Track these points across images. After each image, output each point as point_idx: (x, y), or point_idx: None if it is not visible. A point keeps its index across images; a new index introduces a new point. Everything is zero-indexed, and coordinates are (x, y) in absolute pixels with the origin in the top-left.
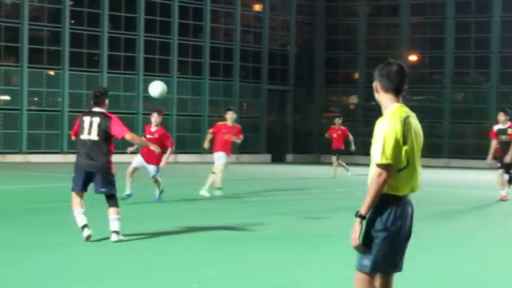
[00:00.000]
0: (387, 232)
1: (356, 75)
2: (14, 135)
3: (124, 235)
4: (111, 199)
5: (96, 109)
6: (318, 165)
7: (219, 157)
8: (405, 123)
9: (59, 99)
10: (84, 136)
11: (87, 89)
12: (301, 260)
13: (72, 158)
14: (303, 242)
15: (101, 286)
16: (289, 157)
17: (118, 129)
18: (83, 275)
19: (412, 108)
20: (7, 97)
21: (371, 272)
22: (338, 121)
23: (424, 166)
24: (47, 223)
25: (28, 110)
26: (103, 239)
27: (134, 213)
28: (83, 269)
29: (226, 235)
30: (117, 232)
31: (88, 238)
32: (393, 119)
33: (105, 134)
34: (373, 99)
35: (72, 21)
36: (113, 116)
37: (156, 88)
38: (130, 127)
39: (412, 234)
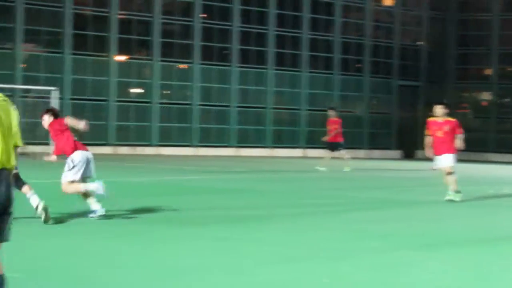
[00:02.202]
0: None
1: (489, 72)
2: (145, 127)
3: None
4: None
5: None
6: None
7: (443, 159)
8: None
9: (190, 93)
10: None
11: (218, 83)
12: None
13: (202, 151)
14: None
15: (236, 276)
16: (419, 153)
17: None
18: (217, 266)
19: None
20: (139, 90)
21: None
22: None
23: None
24: (173, 217)
25: (160, 103)
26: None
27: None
28: (213, 261)
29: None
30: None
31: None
32: None
33: None
34: (508, 95)
35: (204, 15)
36: None
37: None
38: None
39: None
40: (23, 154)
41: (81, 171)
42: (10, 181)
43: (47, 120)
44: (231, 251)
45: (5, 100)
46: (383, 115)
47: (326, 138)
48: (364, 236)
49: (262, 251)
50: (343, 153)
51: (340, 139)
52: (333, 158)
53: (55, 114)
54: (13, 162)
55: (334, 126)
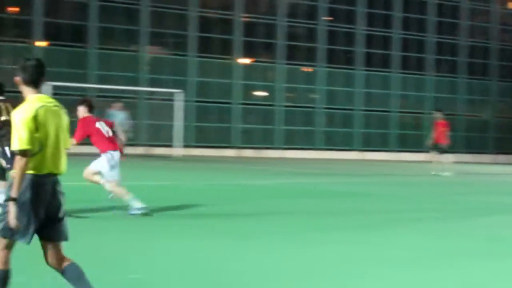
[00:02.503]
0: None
1: None
2: (270, 130)
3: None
4: None
5: None
6: None
7: None
8: (38, 110)
9: (314, 96)
10: None
11: (342, 86)
12: None
13: (326, 154)
14: None
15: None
16: None
17: None
18: (358, 270)
19: None
20: (263, 93)
21: (5, 237)
22: None
23: None
24: (298, 221)
25: (284, 106)
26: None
27: None
28: (355, 265)
29: None
30: None
31: None
32: (23, 108)
33: None
34: None
35: (328, 18)
36: None
37: None
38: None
39: None
40: (147, 155)
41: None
42: (57, 186)
43: (81, 111)
44: (370, 255)
45: (56, 106)
46: (510, 119)
47: (432, 141)
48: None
49: (397, 255)
50: (444, 157)
51: (446, 142)
52: (436, 161)
53: (90, 107)
54: (63, 167)
55: (441, 129)
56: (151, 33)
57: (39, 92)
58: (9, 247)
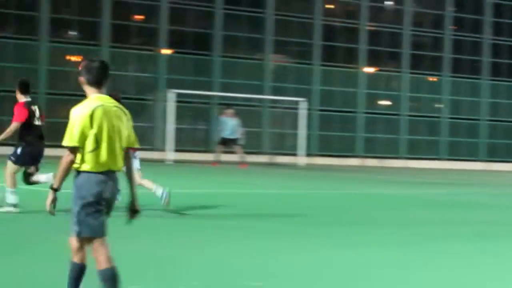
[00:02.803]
0: (82, 200)
1: None
2: (394, 140)
3: None
4: None
5: None
6: None
7: None
8: (96, 109)
9: (439, 105)
10: None
11: (468, 96)
12: None
13: (450, 165)
14: None
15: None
16: None
17: None
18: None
19: None
20: (387, 102)
21: (77, 236)
22: None
23: None
24: (431, 230)
25: (408, 115)
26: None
27: None
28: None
29: None
30: None
31: None
32: (81, 106)
33: None
34: None
35: (454, 27)
36: None
37: None
38: None
39: None
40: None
41: None
42: (115, 182)
43: None
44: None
45: (116, 107)
46: None
47: None
48: None
49: None
50: None
51: None
52: None
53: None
54: (120, 164)
55: None
56: (275, 41)
57: (102, 92)
58: (84, 243)
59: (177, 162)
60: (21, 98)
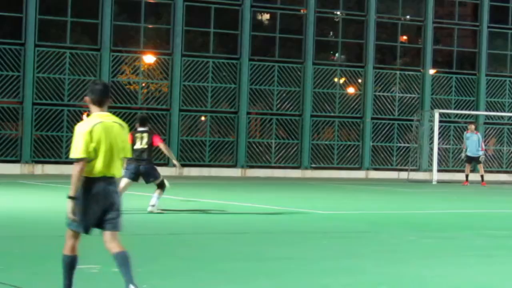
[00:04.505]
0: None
1: None
2: None
3: None
4: None
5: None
6: None
7: None
8: (95, 126)
9: None
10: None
11: None
12: None
13: None
14: None
15: None
16: None
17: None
18: None
19: None
20: None
21: (69, 228)
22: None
23: None
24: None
25: None
26: None
27: None
28: None
29: None
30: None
31: None
32: (84, 123)
33: None
34: None
35: None
36: None
37: None
38: None
39: None
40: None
41: None
42: (111, 186)
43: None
44: None
45: (116, 122)
46: None
47: None
48: None
49: None
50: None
51: None
52: None
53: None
54: (114, 171)
55: None
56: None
57: (103, 110)
58: (74, 236)
59: (440, 182)
60: None
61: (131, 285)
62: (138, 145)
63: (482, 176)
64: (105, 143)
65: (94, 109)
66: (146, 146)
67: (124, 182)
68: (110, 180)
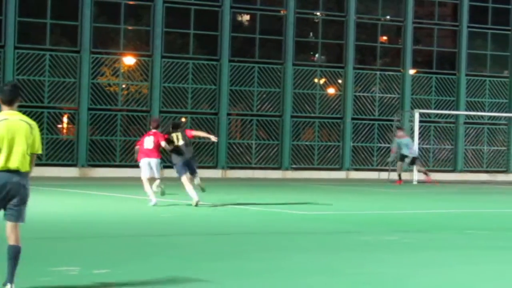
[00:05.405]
0: None
1: None
2: None
3: None
4: None
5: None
6: None
7: None
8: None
9: None
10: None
11: None
12: None
13: None
14: None
15: None
16: None
17: None
18: None
19: None
20: None
21: None
22: None
23: None
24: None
25: None
26: None
27: None
28: None
29: None
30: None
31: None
32: None
33: None
34: None
35: None
36: None
37: None
38: None
39: None
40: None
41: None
42: (14, 179)
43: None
44: None
45: (22, 120)
46: None
47: None
48: None
49: None
50: None
51: None
52: None
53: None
54: (15, 164)
55: None
56: None
57: (12, 109)
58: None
59: (420, 182)
60: None
61: (9, 284)
62: (177, 143)
63: (425, 173)
64: (7, 138)
65: (4, 108)
66: (183, 141)
67: (184, 179)
68: (14, 173)
